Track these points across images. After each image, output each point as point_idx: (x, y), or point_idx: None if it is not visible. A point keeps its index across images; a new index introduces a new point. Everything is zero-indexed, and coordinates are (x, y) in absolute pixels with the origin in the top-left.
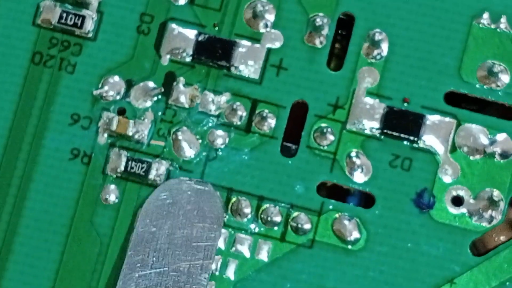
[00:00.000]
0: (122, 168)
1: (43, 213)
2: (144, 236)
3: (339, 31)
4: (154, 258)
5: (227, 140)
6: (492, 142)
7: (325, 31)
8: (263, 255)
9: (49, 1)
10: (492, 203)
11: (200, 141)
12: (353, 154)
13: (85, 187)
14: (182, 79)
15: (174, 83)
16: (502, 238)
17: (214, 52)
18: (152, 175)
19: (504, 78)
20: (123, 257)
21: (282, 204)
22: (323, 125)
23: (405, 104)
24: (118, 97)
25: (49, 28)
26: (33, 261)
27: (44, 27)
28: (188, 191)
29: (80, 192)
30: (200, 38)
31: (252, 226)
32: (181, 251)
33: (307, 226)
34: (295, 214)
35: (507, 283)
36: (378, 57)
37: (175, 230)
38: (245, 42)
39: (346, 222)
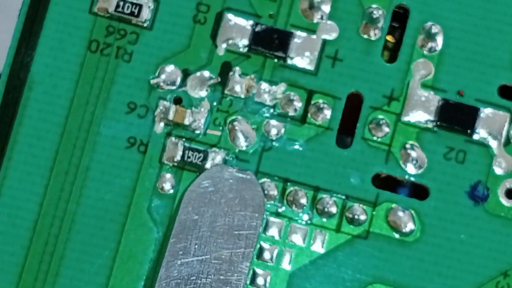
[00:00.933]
0: (179, 157)
1: (99, 201)
2: (186, 223)
3: (393, 24)
4: (196, 246)
5: (282, 130)
6: None
7: (380, 23)
8: (319, 246)
9: None
10: None
11: (255, 131)
12: (408, 146)
13: (142, 175)
14: (238, 69)
15: (230, 73)
16: None
17: (271, 43)
18: (208, 165)
19: None
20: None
21: (338, 195)
22: (378, 116)
23: (460, 97)
24: (174, 87)
25: (105, 16)
26: (90, 248)
27: (100, 15)
28: (230, 179)
29: (136, 180)
30: (256, 29)
31: (308, 216)
32: (222, 239)
33: (363, 217)
34: (351, 205)
35: None
36: (432, 49)
37: (217, 218)
38: (301, 33)
39: (401, 213)
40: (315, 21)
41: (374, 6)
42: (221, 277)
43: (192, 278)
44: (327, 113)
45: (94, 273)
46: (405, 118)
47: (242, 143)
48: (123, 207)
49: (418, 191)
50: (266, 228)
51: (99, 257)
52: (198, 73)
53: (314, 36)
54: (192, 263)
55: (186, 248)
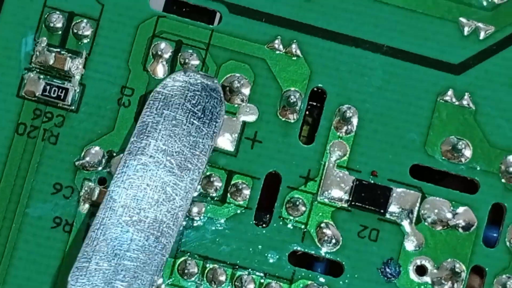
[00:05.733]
0: None
1: (26, 280)
2: (148, 124)
3: (311, 103)
4: (155, 147)
5: (203, 210)
6: (455, 215)
7: (298, 106)
8: None
9: (33, 73)
10: (454, 274)
11: None
12: (323, 225)
13: (67, 255)
14: None
15: None
16: None
17: None
18: None
19: (467, 153)
20: None
21: (256, 273)
22: (295, 196)
23: (373, 177)
24: (99, 168)
25: (32, 99)
26: None
27: (28, 99)
28: (196, 84)
29: (62, 259)
30: None
31: None
32: (180, 144)
33: None
34: (268, 282)
35: None
36: (348, 131)
37: (178, 123)
38: None
39: None
40: (235, 104)
41: (292, 89)
42: (173, 177)
43: (148, 176)
44: (246, 192)
45: None
46: (321, 198)
47: None
48: (49, 287)
49: (333, 268)
50: None
51: None
52: (122, 155)
53: (234, 119)
54: (148, 162)
55: (144, 148)
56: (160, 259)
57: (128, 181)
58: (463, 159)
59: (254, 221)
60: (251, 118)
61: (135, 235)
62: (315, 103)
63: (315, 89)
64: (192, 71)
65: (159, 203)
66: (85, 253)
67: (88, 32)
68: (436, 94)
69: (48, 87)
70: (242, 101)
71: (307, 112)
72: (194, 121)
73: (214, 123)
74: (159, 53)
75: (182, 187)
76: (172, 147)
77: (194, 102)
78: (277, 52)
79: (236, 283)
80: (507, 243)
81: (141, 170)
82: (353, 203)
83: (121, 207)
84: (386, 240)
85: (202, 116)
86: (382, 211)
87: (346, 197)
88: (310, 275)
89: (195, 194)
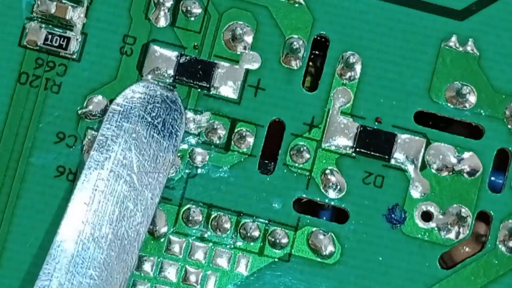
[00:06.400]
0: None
1: (30, 229)
2: (108, 137)
3: (314, 52)
4: (114, 161)
5: (207, 158)
6: (460, 160)
7: (301, 53)
8: (242, 269)
9: (34, 23)
10: (460, 218)
11: (181, 159)
12: (328, 171)
13: None
14: None
15: None
16: (468, 250)
17: (195, 73)
18: None
19: (471, 98)
20: None
21: (260, 220)
22: (299, 143)
23: (377, 124)
24: (102, 117)
25: (34, 49)
26: (20, 275)
27: (30, 48)
28: (156, 96)
29: (65, 208)
30: (181, 60)
31: (232, 240)
32: (141, 157)
33: (284, 240)
34: (273, 229)
35: None
36: (351, 78)
37: (138, 136)
38: (224, 64)
39: (321, 236)
40: (238, 52)
41: (294, 36)
42: (134, 192)
43: (108, 191)
44: (250, 140)
45: None
46: (325, 145)
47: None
48: (52, 235)
49: (338, 215)
50: (191, 252)
51: (30, 283)
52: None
53: (237, 66)
54: (108, 177)
55: (104, 162)
56: (122, 277)
57: (88, 196)
58: (467, 105)
59: (258, 169)
60: (254, 65)
61: (96, 252)
62: (318, 52)
63: (318, 37)
64: (152, 83)
65: (119, 219)
66: (46, 270)
67: None
68: (440, 40)
69: (50, 36)
70: (245, 48)
71: (310, 63)
72: (154, 135)
73: (175, 136)
74: (161, 1)
75: (143, 202)
76: (132, 161)
77: (154, 114)
78: None
79: (241, 230)
80: None
81: (101, 185)
82: (357, 149)
83: (81, 223)
84: (391, 186)
85: (163, 129)
86: (386, 157)
87: (350, 143)
88: (315, 222)
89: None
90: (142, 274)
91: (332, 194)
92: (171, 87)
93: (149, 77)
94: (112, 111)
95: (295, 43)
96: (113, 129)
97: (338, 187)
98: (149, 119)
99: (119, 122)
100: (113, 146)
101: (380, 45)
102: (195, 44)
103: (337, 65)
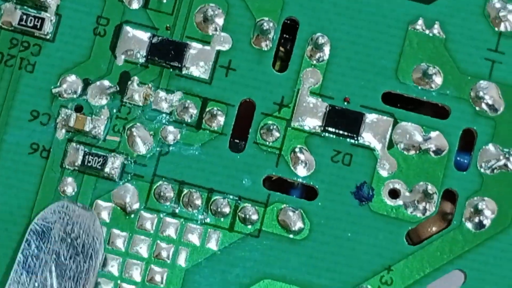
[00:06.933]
0: (80, 162)
1: (4, 204)
2: (28, 259)
3: (284, 35)
4: (36, 284)
5: (178, 136)
6: (426, 139)
7: (271, 35)
8: (213, 244)
9: (9, 3)
10: (427, 196)
11: (153, 137)
12: (297, 149)
13: (44, 179)
14: (136, 79)
15: (129, 82)
16: (435, 228)
17: (167, 54)
18: (108, 168)
19: (438, 80)
20: None
21: (231, 196)
22: (269, 122)
23: (346, 104)
24: (75, 95)
25: (9, 29)
26: None
27: (4, 29)
28: (74, 216)
29: (39, 184)
30: (153, 40)
31: (202, 216)
32: (61, 278)
33: (254, 217)
34: (243, 205)
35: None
36: (320, 59)
37: (60, 257)
38: (196, 44)
39: (290, 213)
40: (209, 33)
41: (265, 18)
42: None
43: None
44: (221, 119)
45: None
46: (295, 124)
47: (140, 148)
48: (26, 210)
49: (307, 192)
50: (162, 227)
51: (2, 256)
52: (98, 83)
53: (208, 47)
54: None
55: (24, 285)
56: None
57: None
58: (433, 85)
59: (229, 148)
60: (225, 46)
61: None
62: (287, 36)
63: (287, 21)
64: (70, 202)
65: None
66: None
67: None
68: (407, 23)
69: (24, 17)
70: (216, 30)
71: (280, 48)
72: (75, 256)
73: (95, 258)
74: None
75: None
76: (53, 284)
77: (73, 235)
78: None
79: (211, 207)
80: (478, 167)
81: None
82: (326, 128)
83: None
84: (359, 165)
85: (83, 250)
86: (355, 136)
87: (319, 123)
88: (284, 199)
89: None
90: (114, 249)
91: (301, 172)
92: (89, 207)
93: (122, 57)
94: (31, 232)
95: (265, 24)
96: (32, 250)
97: (307, 165)
98: (69, 240)
99: (39, 243)
100: (33, 268)
101: (349, 27)
102: (168, 25)
103: (307, 46)
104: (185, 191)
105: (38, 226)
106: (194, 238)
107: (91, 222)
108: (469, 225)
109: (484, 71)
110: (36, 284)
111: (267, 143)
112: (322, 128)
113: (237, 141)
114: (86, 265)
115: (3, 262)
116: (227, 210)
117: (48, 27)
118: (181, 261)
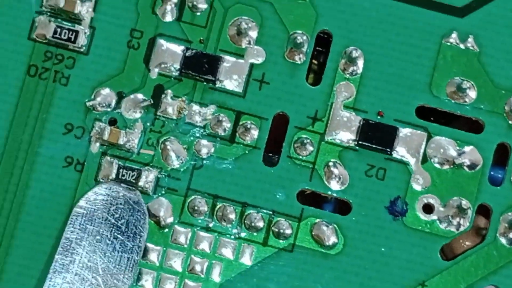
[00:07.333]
0: (114, 175)
1: (38, 218)
2: (72, 240)
3: (317, 48)
4: (80, 264)
5: (212, 150)
6: (461, 154)
7: (304, 48)
8: (247, 259)
9: (44, 16)
10: (461, 211)
11: (187, 150)
12: (331, 164)
13: (78, 193)
14: (170, 92)
15: (163, 96)
16: (469, 244)
17: (200, 67)
18: (142, 182)
19: (472, 94)
20: None
21: (265, 211)
22: (303, 136)
23: (379, 117)
24: (109, 109)
25: (43, 42)
26: (29, 263)
27: (39, 41)
28: (118, 198)
29: (73, 198)
30: (187, 53)
31: (236, 231)
32: (106, 260)
33: (288, 231)
34: (277, 220)
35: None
36: (354, 73)
37: (102, 238)
38: (229, 58)
39: (324, 228)
40: (243, 46)
41: (298, 31)
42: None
43: None
44: (255, 133)
45: (31, 285)
46: (328, 138)
47: (174, 162)
48: (60, 224)
49: (341, 207)
50: (196, 242)
51: (37, 270)
52: (132, 96)
53: (242, 61)
54: (74, 280)
55: (69, 265)
56: None
57: None
58: (467, 100)
59: (262, 161)
60: (259, 60)
61: None
62: (320, 49)
63: (321, 34)
64: (114, 184)
65: None
66: None
67: None
68: (441, 37)
69: (58, 30)
70: (250, 43)
71: (313, 61)
72: (119, 236)
73: (139, 237)
74: None
75: None
76: (97, 263)
77: (117, 216)
78: None
79: (245, 221)
80: None
81: None
82: (360, 142)
83: None
84: (393, 179)
85: (126, 230)
86: (388, 150)
87: (353, 137)
88: (318, 213)
89: None
90: (148, 263)
91: (335, 186)
92: (133, 188)
93: (156, 70)
94: (75, 214)
95: (298, 37)
96: (77, 232)
97: (341, 179)
98: (113, 221)
99: (83, 224)
100: (77, 249)
101: (383, 40)
102: (201, 38)
103: (340, 60)
104: (219, 205)
105: (81, 208)
106: (228, 253)
107: (134, 202)
108: (503, 240)
109: None
110: (81, 265)
111: (301, 157)
112: (356, 142)
113: (271, 155)
114: (130, 244)
115: (38, 276)
116: (260, 224)
117: (82, 40)
118: (215, 275)
